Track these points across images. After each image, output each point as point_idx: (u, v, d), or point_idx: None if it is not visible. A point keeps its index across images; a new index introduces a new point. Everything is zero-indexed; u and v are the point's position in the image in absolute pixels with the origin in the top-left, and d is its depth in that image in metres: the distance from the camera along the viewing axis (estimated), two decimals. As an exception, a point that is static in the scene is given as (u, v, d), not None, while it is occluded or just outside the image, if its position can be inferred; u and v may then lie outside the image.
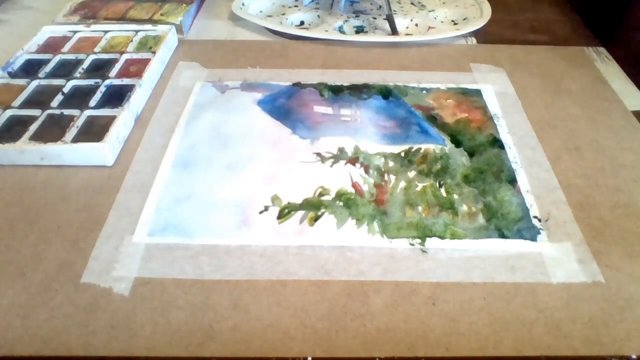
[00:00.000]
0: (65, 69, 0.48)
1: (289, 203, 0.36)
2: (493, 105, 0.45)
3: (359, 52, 0.53)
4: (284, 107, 0.45)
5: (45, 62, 0.49)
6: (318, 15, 0.59)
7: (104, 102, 0.44)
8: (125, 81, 0.46)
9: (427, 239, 0.34)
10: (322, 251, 0.33)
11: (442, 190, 0.37)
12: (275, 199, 0.36)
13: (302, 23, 0.59)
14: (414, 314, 0.30)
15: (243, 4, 0.61)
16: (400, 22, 0.57)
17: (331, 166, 0.39)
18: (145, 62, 0.48)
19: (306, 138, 0.42)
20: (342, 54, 0.52)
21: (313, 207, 0.36)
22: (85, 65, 0.48)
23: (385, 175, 0.38)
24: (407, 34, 0.56)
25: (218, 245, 0.33)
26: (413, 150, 0.40)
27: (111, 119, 0.41)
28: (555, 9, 0.62)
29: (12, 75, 0.48)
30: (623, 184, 0.38)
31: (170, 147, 0.41)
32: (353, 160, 0.39)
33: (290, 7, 0.61)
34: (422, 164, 0.39)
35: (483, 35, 0.55)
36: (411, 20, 0.58)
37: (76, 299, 0.30)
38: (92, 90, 0.45)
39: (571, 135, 0.42)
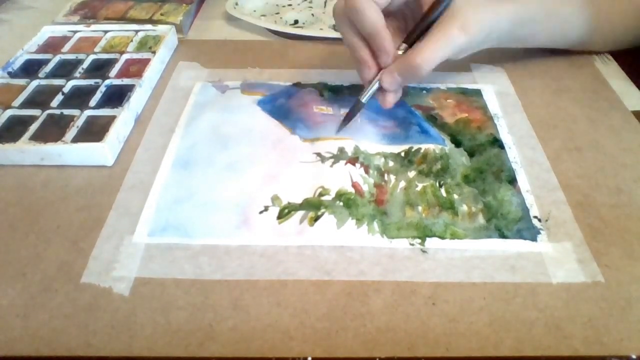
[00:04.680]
0: (65, 69, 0.48)
1: (289, 203, 0.36)
2: (493, 105, 0.45)
3: (359, 52, 0.53)
4: (283, 107, 0.45)
5: (45, 62, 0.49)
6: (312, 14, 0.59)
7: (104, 102, 0.44)
8: (125, 81, 0.46)
9: (427, 239, 0.34)
10: (322, 251, 0.33)
11: (442, 190, 0.37)
12: (275, 199, 0.36)
13: (296, 22, 0.59)
14: (414, 314, 0.30)
15: (237, 4, 0.60)
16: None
17: (331, 166, 0.39)
18: (145, 62, 0.48)
19: (306, 138, 0.42)
20: (341, 53, 0.52)
21: (313, 207, 0.36)
22: (85, 65, 0.49)
23: (385, 175, 0.38)
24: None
25: (218, 245, 0.33)
26: (413, 150, 0.40)
27: (111, 119, 0.41)
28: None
29: (12, 75, 0.48)
30: (623, 184, 0.38)
31: (170, 147, 0.41)
32: (353, 160, 0.39)
33: (284, 7, 0.61)
34: (422, 164, 0.39)
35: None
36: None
37: (76, 299, 0.30)
38: (92, 90, 0.45)
39: (571, 135, 0.42)
